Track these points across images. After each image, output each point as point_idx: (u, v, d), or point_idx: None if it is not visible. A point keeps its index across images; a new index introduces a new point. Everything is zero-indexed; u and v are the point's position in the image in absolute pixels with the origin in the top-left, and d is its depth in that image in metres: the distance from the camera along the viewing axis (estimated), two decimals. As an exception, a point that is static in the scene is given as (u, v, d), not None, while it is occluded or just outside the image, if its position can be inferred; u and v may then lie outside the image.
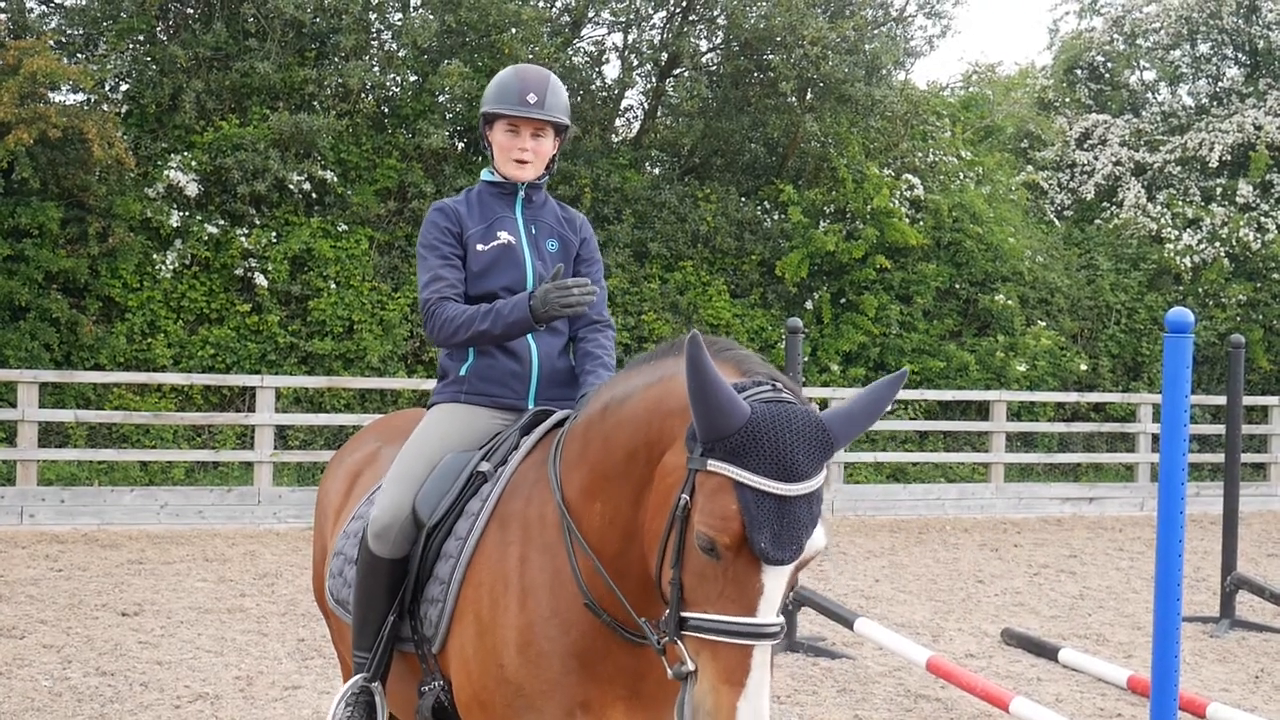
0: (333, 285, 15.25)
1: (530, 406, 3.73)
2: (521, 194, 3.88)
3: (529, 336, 3.75)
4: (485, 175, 3.94)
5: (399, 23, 16.57)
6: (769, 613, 2.58)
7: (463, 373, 3.79)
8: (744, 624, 2.56)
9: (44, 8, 16.26)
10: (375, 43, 16.82)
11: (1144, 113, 22.29)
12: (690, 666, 2.60)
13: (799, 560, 2.60)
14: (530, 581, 3.14)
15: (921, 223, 17.87)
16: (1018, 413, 17.69)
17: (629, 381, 3.09)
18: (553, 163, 3.93)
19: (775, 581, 2.58)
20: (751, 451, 2.55)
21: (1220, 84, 22.35)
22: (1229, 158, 20.68)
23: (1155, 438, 16.37)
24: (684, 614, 2.64)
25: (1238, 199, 20.20)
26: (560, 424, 3.48)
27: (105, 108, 15.00)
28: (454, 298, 3.73)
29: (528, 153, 3.81)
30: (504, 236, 3.80)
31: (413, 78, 16.72)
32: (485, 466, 3.47)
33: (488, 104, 3.83)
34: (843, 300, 17.60)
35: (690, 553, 2.63)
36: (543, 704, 3.05)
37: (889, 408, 2.81)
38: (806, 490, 2.57)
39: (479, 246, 3.78)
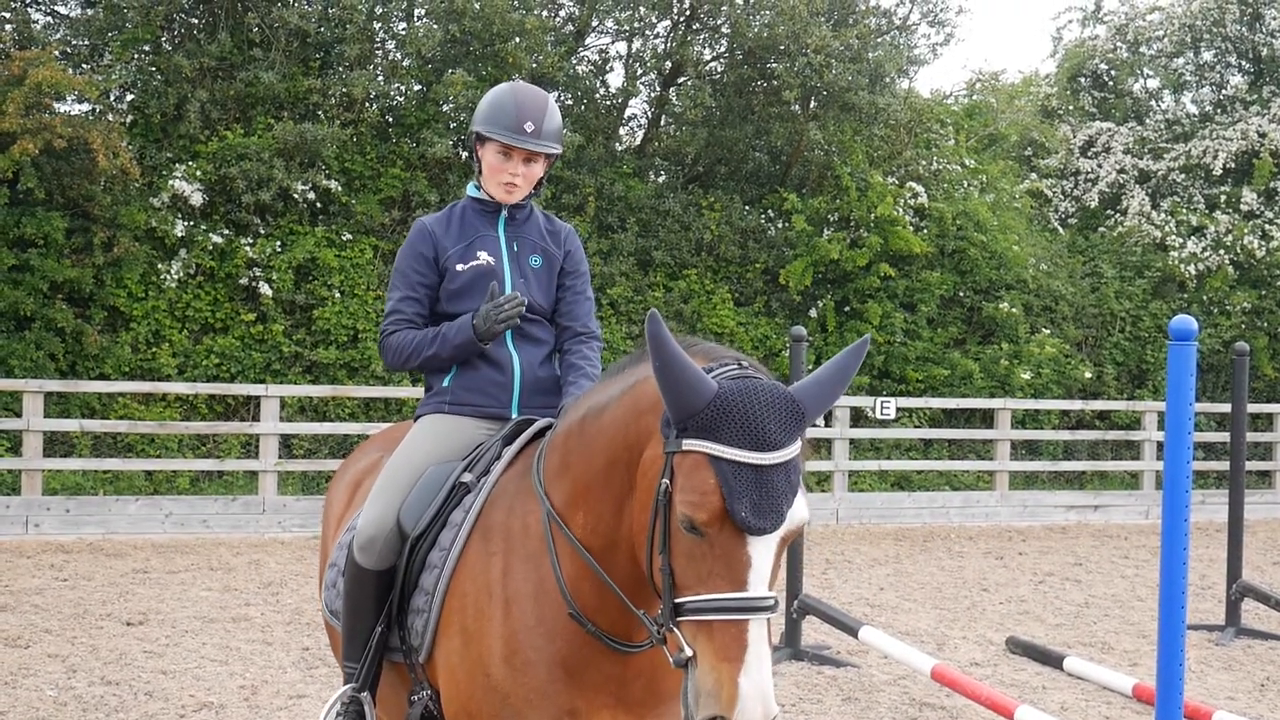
0: (337, 294, 15.28)
1: (513, 415, 3.75)
2: (505, 212, 3.89)
3: (511, 346, 3.78)
4: (471, 191, 3.94)
5: (403, 32, 16.62)
6: (760, 586, 2.60)
7: (446, 384, 3.81)
8: (736, 599, 2.59)
9: (49, 18, 16.31)
10: (379, 52, 16.86)
11: (1148, 120, 22.28)
12: (689, 653, 2.62)
13: (783, 531, 2.64)
14: (514, 591, 3.16)
15: (925, 231, 17.88)
16: (1022, 420, 17.67)
17: (606, 391, 3.13)
18: (541, 182, 3.94)
19: (762, 553, 2.61)
20: (723, 425, 2.60)
21: (1224, 91, 22.34)
22: (1233, 165, 20.68)
23: (1160, 445, 16.34)
24: (677, 600, 2.66)
25: (1242, 206, 20.19)
26: (542, 433, 3.51)
27: (110, 118, 15.04)
28: (404, 329, 3.79)
29: (518, 178, 3.82)
30: (483, 257, 3.81)
31: (417, 87, 16.76)
32: (468, 477, 3.50)
33: (482, 124, 3.80)
34: (847, 308, 17.60)
35: (676, 536, 2.67)
36: (529, 712, 3.07)
37: (855, 375, 2.87)
38: (782, 459, 2.62)
39: (458, 266, 3.80)
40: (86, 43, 15.82)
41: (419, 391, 14.32)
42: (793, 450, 2.66)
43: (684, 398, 2.62)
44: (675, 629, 2.66)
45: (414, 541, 3.48)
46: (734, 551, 2.60)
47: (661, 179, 18.45)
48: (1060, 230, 20.88)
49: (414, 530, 3.48)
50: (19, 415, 12.85)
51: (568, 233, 3.99)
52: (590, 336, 3.91)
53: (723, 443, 2.60)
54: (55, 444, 13.78)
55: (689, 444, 2.64)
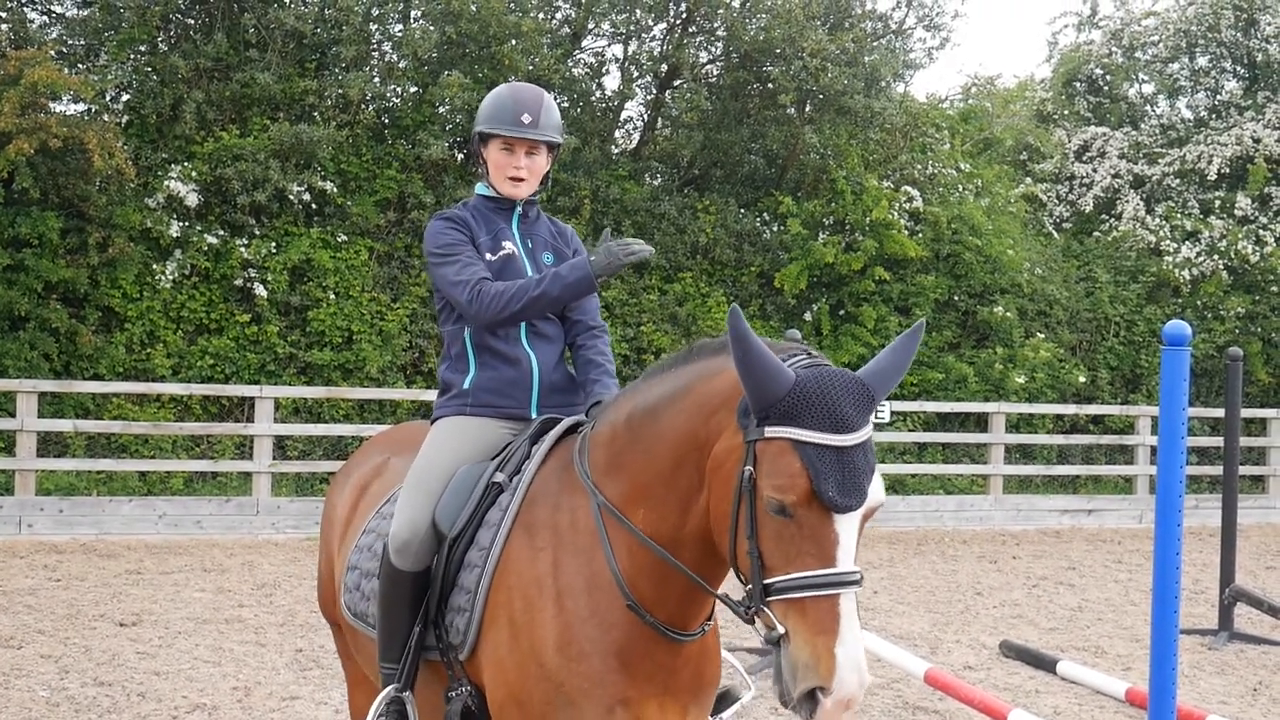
0: (332, 296, 15.26)
1: (533, 415, 3.81)
2: (519, 210, 3.97)
3: (527, 345, 3.84)
4: (481, 190, 4.02)
5: (399, 34, 16.60)
6: (847, 561, 2.78)
7: (466, 385, 3.85)
8: (827, 575, 2.75)
9: (45, 18, 16.29)
10: (375, 54, 16.84)
11: (1142, 125, 22.31)
12: (781, 629, 2.76)
13: (865, 508, 2.81)
14: (566, 584, 3.23)
15: (920, 235, 17.89)
16: (1016, 424, 17.68)
17: (653, 391, 3.24)
18: (546, 178, 4.02)
19: (848, 530, 2.78)
20: (804, 411, 2.76)
21: (1219, 97, 22.38)
22: (1227, 170, 20.70)
23: (1154, 450, 16.34)
24: (767, 580, 2.79)
25: (1236, 212, 20.22)
26: (569, 431, 3.60)
27: (106, 118, 15.01)
28: (492, 278, 3.78)
29: (522, 170, 3.90)
30: (508, 246, 3.90)
31: (413, 89, 16.75)
32: (500, 477, 3.56)
33: (482, 123, 3.91)
34: (842, 312, 17.61)
35: (763, 520, 2.80)
36: (583, 701, 3.14)
37: (913, 358, 3.07)
38: (860, 440, 2.79)
39: (487, 256, 3.87)
40: (82, 43, 15.80)
41: (413, 393, 14.33)
42: (868, 431, 2.83)
43: (766, 388, 2.77)
44: (766, 609, 2.79)
45: (451, 542, 3.53)
46: (822, 530, 2.75)
47: (657, 182, 18.45)
48: (1055, 235, 20.90)
49: (451, 531, 3.54)
50: (13, 415, 12.83)
51: (571, 233, 4.11)
52: (602, 330, 4.02)
53: (805, 427, 2.75)
54: (49, 444, 13.76)
55: (771, 431, 2.78)
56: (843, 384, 2.81)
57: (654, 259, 16.78)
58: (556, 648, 3.17)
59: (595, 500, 3.26)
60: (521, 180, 3.90)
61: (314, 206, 15.59)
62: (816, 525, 2.75)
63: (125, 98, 15.73)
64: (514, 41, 16.18)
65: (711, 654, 3.40)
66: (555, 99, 17.64)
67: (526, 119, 3.84)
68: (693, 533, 3.09)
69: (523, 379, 3.82)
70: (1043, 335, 18.53)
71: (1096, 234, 20.79)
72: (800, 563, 2.75)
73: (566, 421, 3.64)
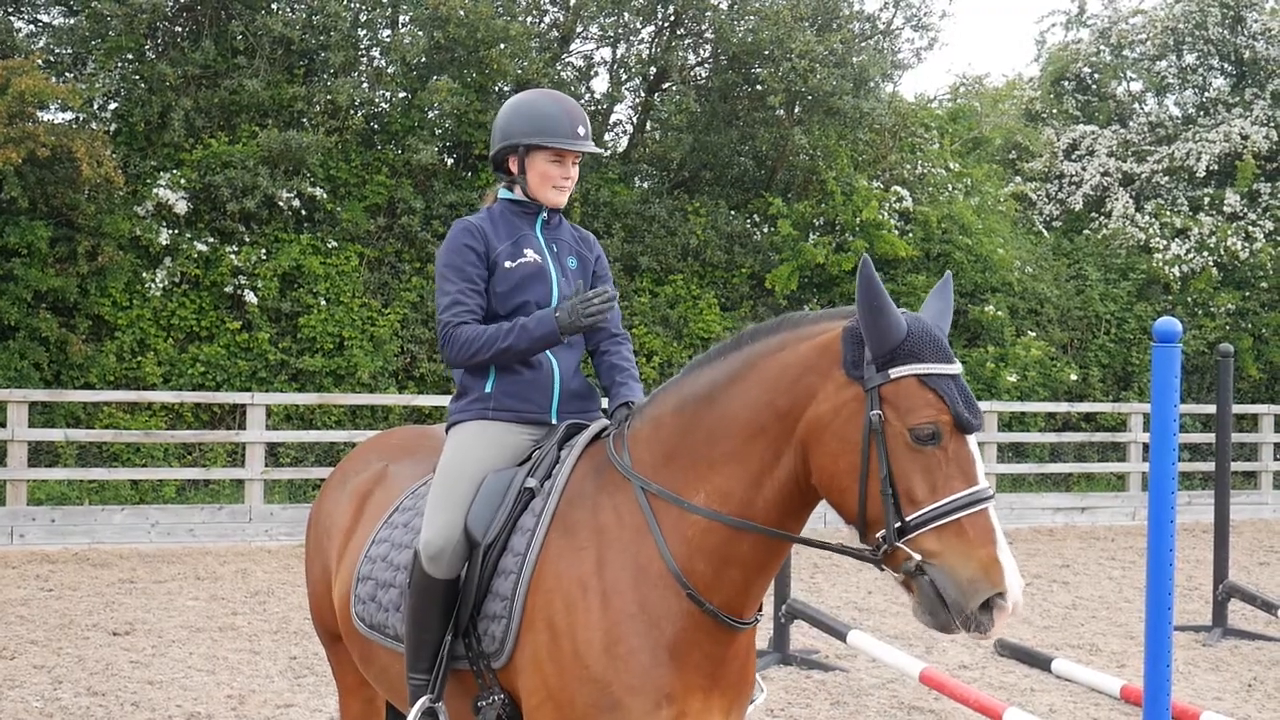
0: (323, 302, 15.23)
1: (553, 420, 3.80)
2: (543, 216, 3.94)
3: (549, 351, 3.82)
4: (505, 194, 3.97)
5: (388, 39, 16.58)
6: (984, 478, 3.00)
7: (488, 389, 3.81)
8: (974, 492, 2.95)
9: (32, 27, 16.24)
10: (364, 59, 16.82)
11: (1131, 123, 22.36)
12: (918, 558, 2.92)
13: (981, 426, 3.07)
14: (611, 582, 3.25)
15: (910, 234, 17.91)
16: (1009, 423, 17.71)
17: (700, 379, 3.34)
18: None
19: (976, 450, 3.03)
20: (923, 349, 3.02)
21: (1206, 94, 22.44)
22: (1216, 167, 20.75)
23: (1146, 447, 16.37)
24: (914, 515, 2.95)
25: (1225, 208, 20.27)
26: (598, 437, 3.61)
27: (94, 126, 14.96)
28: (472, 322, 3.76)
29: (569, 181, 3.91)
30: (530, 254, 3.87)
31: (402, 94, 16.73)
32: (532, 482, 3.56)
33: (530, 136, 3.82)
34: (833, 312, 17.59)
35: (901, 457, 2.98)
36: (630, 700, 3.15)
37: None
38: (961, 368, 3.10)
39: (507, 264, 3.83)
40: (69, 51, 15.75)
41: (405, 399, 14.31)
42: None
43: (892, 332, 3.01)
44: (901, 545, 2.95)
45: (485, 549, 3.51)
46: (962, 452, 2.99)
47: (647, 184, 18.45)
48: (1045, 233, 20.93)
49: (485, 538, 3.52)
50: (3, 425, 12.79)
51: (593, 239, 4.11)
52: (624, 339, 4.03)
53: (929, 362, 3.01)
54: (40, 454, 13.72)
55: (897, 371, 3.00)
56: (933, 323, 3.10)
57: (644, 263, 16.94)
58: (603, 648, 3.18)
59: (643, 491, 3.30)
60: (566, 189, 3.92)
61: (304, 213, 15.56)
62: (957, 448, 2.97)
63: (113, 106, 15.69)
64: (502, 45, 16.16)
65: (752, 657, 3.44)
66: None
67: (581, 131, 3.85)
68: (766, 503, 3.18)
69: (543, 382, 3.80)
70: (1034, 334, 18.56)
71: (1086, 232, 20.82)
72: (949, 487, 2.94)
73: (594, 426, 3.65)
